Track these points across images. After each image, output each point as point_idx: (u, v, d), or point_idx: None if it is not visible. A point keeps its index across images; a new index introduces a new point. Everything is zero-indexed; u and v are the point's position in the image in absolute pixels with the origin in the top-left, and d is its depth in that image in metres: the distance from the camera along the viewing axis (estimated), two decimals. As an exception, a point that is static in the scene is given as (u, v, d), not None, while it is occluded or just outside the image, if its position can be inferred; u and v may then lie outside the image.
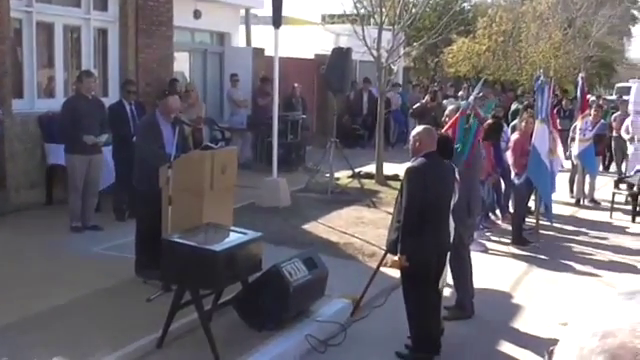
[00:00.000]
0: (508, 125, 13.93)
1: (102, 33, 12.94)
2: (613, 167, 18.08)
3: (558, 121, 13.46)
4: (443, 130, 8.04)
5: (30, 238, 9.46)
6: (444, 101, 19.11)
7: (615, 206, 13.54)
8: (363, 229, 10.87)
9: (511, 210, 11.87)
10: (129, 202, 10.45)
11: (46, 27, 12.01)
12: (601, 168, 17.04)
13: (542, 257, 10.36)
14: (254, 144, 17.19)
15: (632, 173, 13.89)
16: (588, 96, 17.07)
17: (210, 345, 6.06)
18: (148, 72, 13.37)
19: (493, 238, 11.15)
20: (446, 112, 9.10)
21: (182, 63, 17.41)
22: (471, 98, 8.70)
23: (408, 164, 6.74)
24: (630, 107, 15.97)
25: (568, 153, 14.26)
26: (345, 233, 10.60)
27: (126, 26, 12.96)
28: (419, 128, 6.87)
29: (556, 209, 12.72)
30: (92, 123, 9.86)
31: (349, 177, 14.73)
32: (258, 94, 17.31)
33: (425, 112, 15.91)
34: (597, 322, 1.02)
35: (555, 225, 12.01)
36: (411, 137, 6.77)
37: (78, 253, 8.88)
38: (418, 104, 17.44)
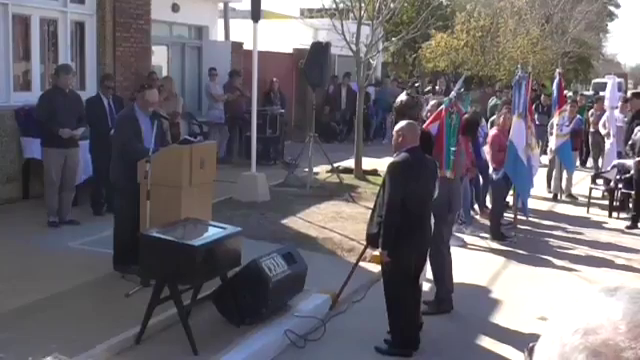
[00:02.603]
0: (487, 120, 13.98)
1: (79, 26, 12.82)
2: (590, 162, 18.21)
3: (536, 116, 13.54)
4: (424, 125, 8.05)
5: (6, 233, 9.35)
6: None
7: (592, 201, 13.65)
8: (342, 224, 10.87)
9: (489, 205, 11.92)
10: (107, 196, 10.38)
11: (22, 20, 11.88)
12: (578, 163, 17.14)
13: (520, 252, 10.42)
14: (232, 138, 17.14)
15: (609, 168, 13.99)
16: (565, 92, 17.18)
17: (189, 340, 6.04)
18: (125, 66, 13.28)
19: (470, 229, 11.18)
20: (427, 107, 9.12)
21: (160, 57, 17.30)
22: (452, 94, 8.71)
23: (387, 159, 6.75)
24: (606, 103, 16.07)
25: (548, 149, 14.37)
26: (324, 228, 10.60)
27: (103, 19, 12.85)
28: (402, 123, 6.86)
29: (534, 204, 12.83)
30: (69, 117, 9.78)
31: (328, 172, 14.74)
32: (227, 89, 17.14)
33: (404, 111, 15.91)
34: (579, 319, 1.01)
35: (533, 220, 12.10)
36: (394, 132, 6.76)
37: (55, 248, 8.80)
38: (399, 103, 17.42)
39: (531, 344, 1.10)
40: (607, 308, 1.00)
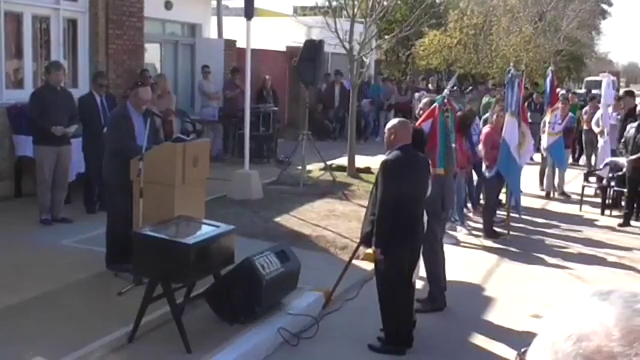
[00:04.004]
0: (480, 118, 13.99)
1: (72, 23, 12.77)
2: (583, 160, 18.23)
3: (529, 114, 13.53)
4: (417, 123, 8.05)
5: (-2, 231, 9.33)
6: (416, 94, 19.16)
7: (584, 199, 13.66)
8: (335, 222, 10.87)
9: (482, 202, 11.92)
10: (99, 194, 10.36)
11: (14, 17, 11.82)
12: (570, 161, 17.16)
13: (513, 249, 10.43)
14: (226, 136, 17.12)
15: (601, 166, 14.01)
16: (558, 90, 17.19)
17: (182, 338, 6.03)
18: (118, 63, 13.24)
19: (464, 230, 11.19)
20: (420, 105, 9.11)
21: (153, 54, 17.26)
22: (445, 92, 8.71)
23: (380, 157, 6.74)
24: (602, 101, 16.06)
25: (541, 147, 14.40)
26: (317, 226, 10.59)
27: (96, 17, 12.80)
28: (394, 121, 6.86)
29: (526, 202, 12.84)
30: (60, 114, 9.75)
31: (321, 170, 14.73)
32: (227, 86, 17.23)
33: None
34: (571, 324, 0.99)
35: (525, 218, 12.10)
36: (386, 130, 6.76)
37: (48, 246, 8.77)
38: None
39: (523, 349, 1.09)
40: (600, 313, 0.98)
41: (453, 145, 8.19)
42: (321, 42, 14.32)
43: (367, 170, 14.94)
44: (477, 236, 11.04)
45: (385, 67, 33.23)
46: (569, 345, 0.97)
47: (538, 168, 14.96)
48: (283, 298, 7.26)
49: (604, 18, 59.51)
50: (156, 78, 14.70)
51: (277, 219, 10.90)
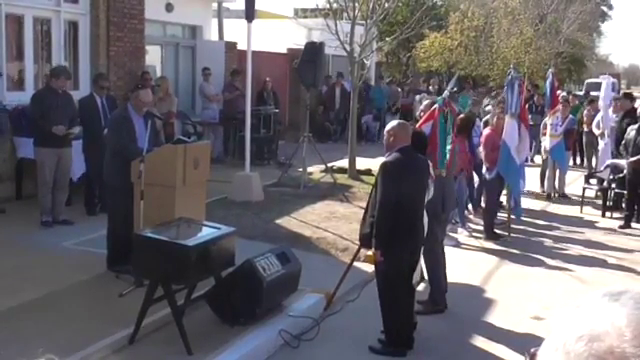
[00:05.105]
0: (480, 120, 14.00)
1: (73, 25, 12.77)
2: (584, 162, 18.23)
3: (530, 117, 13.54)
4: (417, 125, 8.05)
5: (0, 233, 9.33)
6: (417, 96, 19.17)
7: (585, 201, 13.65)
8: (336, 223, 10.87)
9: (483, 204, 11.92)
10: (100, 196, 10.36)
11: (15, 19, 11.83)
12: (572, 163, 17.15)
13: (514, 251, 10.42)
14: (226, 138, 17.13)
15: (602, 168, 14.01)
16: (558, 92, 17.19)
17: (183, 340, 6.03)
18: (119, 65, 13.24)
19: (465, 232, 11.19)
20: (421, 107, 9.10)
21: (154, 56, 17.26)
22: (445, 93, 8.71)
23: (381, 159, 6.75)
24: (600, 103, 16.06)
25: (542, 148, 14.39)
26: (318, 227, 10.59)
27: (97, 18, 12.81)
28: (393, 123, 6.87)
29: (527, 204, 12.84)
30: (61, 117, 9.75)
31: (322, 172, 14.73)
32: (226, 88, 17.24)
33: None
34: (582, 325, 0.99)
35: (526, 219, 12.11)
36: (385, 132, 6.76)
37: (49, 248, 8.77)
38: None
39: (533, 349, 1.08)
40: (612, 314, 0.98)
41: (448, 147, 8.16)
42: (322, 44, 14.34)
43: (368, 172, 14.94)
44: (478, 238, 11.04)
45: (386, 69, 33.24)
46: (581, 346, 0.97)
47: (539, 170, 14.96)
48: (284, 300, 7.27)
49: (604, 21, 59.56)
50: (158, 80, 14.70)
51: (278, 221, 10.91)
